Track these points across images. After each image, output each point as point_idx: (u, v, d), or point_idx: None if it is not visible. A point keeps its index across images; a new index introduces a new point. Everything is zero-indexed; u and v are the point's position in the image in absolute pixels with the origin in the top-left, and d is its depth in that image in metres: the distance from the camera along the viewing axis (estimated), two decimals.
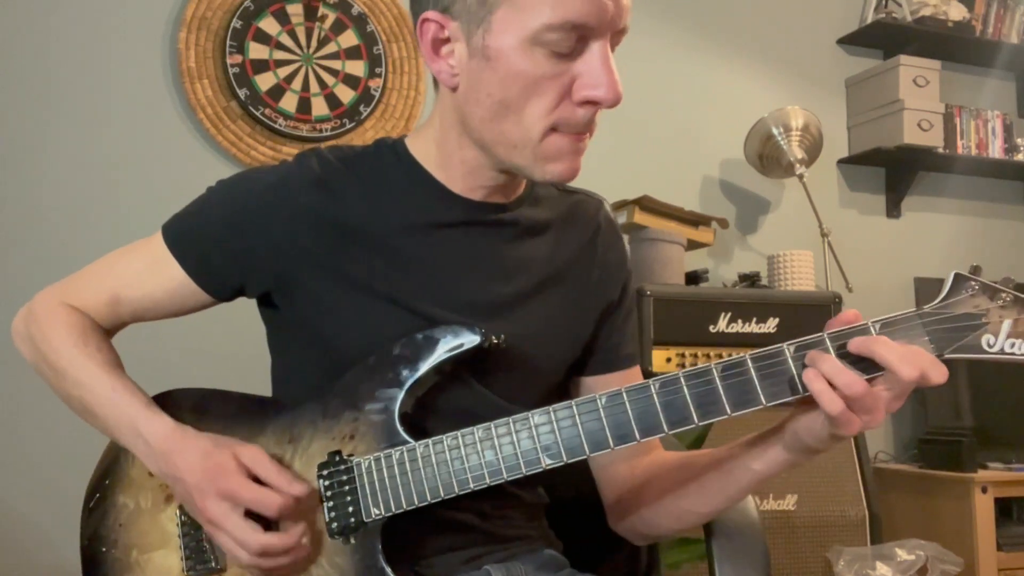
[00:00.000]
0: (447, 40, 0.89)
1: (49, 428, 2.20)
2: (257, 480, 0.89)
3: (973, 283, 0.80)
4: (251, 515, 0.89)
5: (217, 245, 0.98)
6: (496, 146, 0.91)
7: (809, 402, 0.81)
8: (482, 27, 0.86)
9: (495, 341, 0.92)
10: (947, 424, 2.89)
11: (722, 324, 2.44)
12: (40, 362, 1.02)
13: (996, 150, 3.29)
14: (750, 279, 2.72)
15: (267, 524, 0.90)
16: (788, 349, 0.81)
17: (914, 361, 0.76)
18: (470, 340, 0.91)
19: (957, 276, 0.81)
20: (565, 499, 1.11)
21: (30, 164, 2.31)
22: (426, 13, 0.89)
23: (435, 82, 0.96)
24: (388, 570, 0.88)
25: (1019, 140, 3.33)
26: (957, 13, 3.19)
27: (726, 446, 0.95)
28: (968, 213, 3.38)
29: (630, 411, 0.84)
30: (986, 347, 0.79)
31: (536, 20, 0.83)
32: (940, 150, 3.12)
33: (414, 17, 0.93)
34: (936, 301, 0.81)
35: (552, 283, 1.02)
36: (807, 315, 2.48)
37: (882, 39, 3.23)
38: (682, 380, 0.83)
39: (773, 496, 2.38)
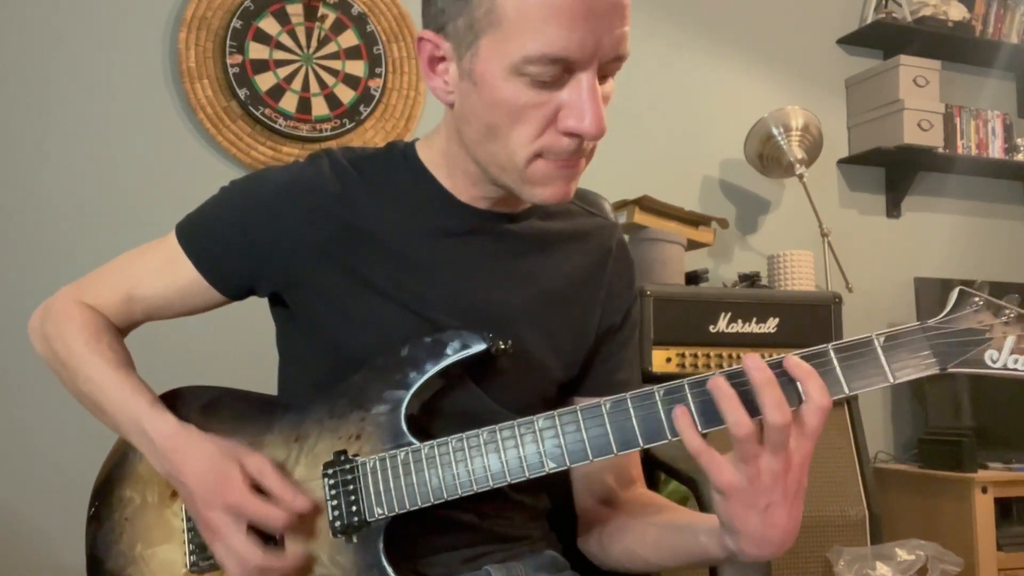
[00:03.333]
0: (442, 59, 0.90)
1: (51, 429, 2.21)
2: (260, 490, 0.90)
3: (977, 299, 0.81)
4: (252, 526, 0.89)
5: (229, 244, 0.99)
6: (487, 165, 0.92)
7: None
8: (470, 51, 0.86)
9: (502, 347, 0.93)
10: (947, 424, 2.89)
11: (722, 324, 2.44)
12: (53, 359, 1.03)
13: (996, 150, 3.29)
14: (750, 279, 2.72)
15: (264, 536, 0.90)
16: (793, 359, 0.82)
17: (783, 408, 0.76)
18: (477, 345, 0.92)
19: (961, 292, 0.82)
20: (567, 501, 1.11)
21: (30, 164, 2.31)
22: (423, 32, 0.90)
23: None
24: (390, 570, 0.89)
25: (1019, 140, 3.33)
26: (957, 13, 3.19)
27: (696, 513, 0.96)
28: (968, 213, 3.39)
29: (634, 418, 0.84)
30: (989, 363, 0.80)
31: (517, 52, 0.82)
32: (940, 150, 3.12)
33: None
34: (940, 316, 0.81)
35: (556, 298, 1.02)
36: (807, 315, 2.48)
37: (882, 39, 3.23)
38: (686, 388, 0.83)
39: None
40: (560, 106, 0.85)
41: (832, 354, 0.80)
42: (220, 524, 0.89)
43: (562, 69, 0.83)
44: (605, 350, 1.08)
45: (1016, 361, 0.79)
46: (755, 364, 0.77)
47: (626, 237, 2.59)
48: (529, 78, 0.83)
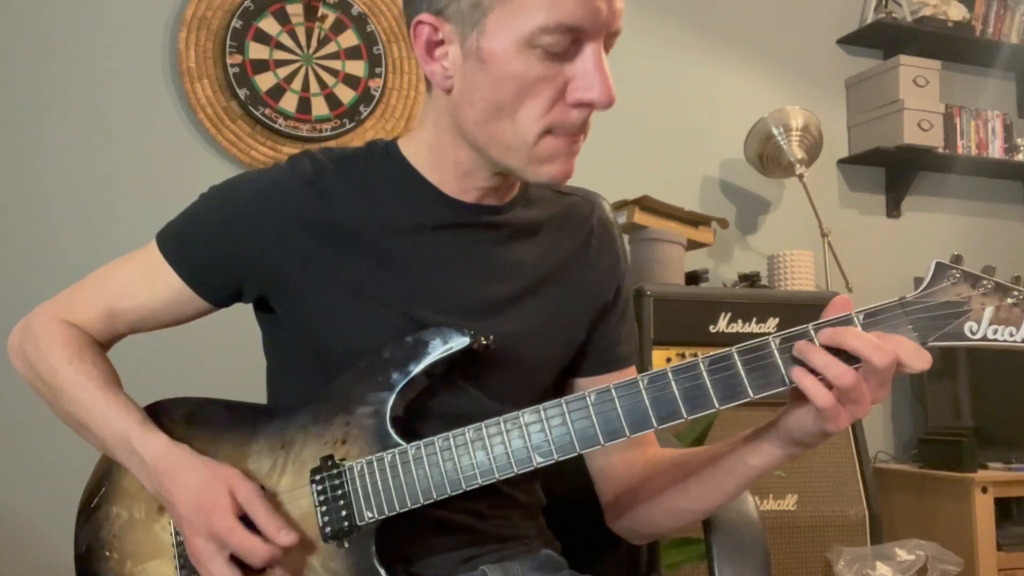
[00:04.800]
0: (441, 42, 0.89)
1: (49, 431, 2.19)
2: (248, 519, 0.89)
3: (954, 271, 0.81)
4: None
5: (212, 250, 0.98)
6: (489, 148, 0.91)
7: (800, 395, 0.82)
8: (476, 29, 0.86)
9: (484, 342, 0.92)
10: (947, 424, 2.89)
11: (722, 324, 2.44)
12: (35, 379, 1.01)
13: (996, 150, 3.29)
14: (750, 279, 2.72)
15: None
16: (774, 341, 0.82)
17: (886, 348, 0.77)
18: (459, 342, 0.91)
19: (939, 265, 0.81)
20: (564, 499, 1.11)
21: (30, 164, 2.31)
22: (420, 16, 0.89)
23: (427, 85, 0.96)
24: (382, 572, 0.88)
25: (1019, 140, 3.33)
26: (957, 13, 3.19)
27: (721, 443, 0.95)
28: (968, 213, 3.38)
29: (619, 407, 0.84)
30: (969, 334, 0.79)
31: (530, 22, 0.83)
32: (940, 150, 3.11)
33: (407, 20, 0.93)
34: (918, 290, 0.81)
35: (544, 284, 1.02)
36: (807, 315, 2.42)
37: (882, 39, 3.23)
38: (670, 375, 0.83)
39: (773, 496, 2.38)
40: (568, 79, 0.86)
41: (813, 333, 0.81)
42: (203, 551, 0.88)
43: (571, 40, 0.84)
44: (602, 327, 1.07)
45: (995, 331, 0.79)
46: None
47: (626, 237, 2.59)
48: (541, 50, 0.84)
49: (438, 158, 0.97)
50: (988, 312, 0.79)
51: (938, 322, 0.80)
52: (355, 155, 1.00)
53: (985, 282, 0.80)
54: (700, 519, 1.04)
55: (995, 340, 0.79)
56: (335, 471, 0.91)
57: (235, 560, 0.89)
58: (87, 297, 1.02)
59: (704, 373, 0.82)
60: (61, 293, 1.04)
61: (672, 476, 0.99)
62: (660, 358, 2.38)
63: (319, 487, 0.91)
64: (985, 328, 0.79)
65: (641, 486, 1.03)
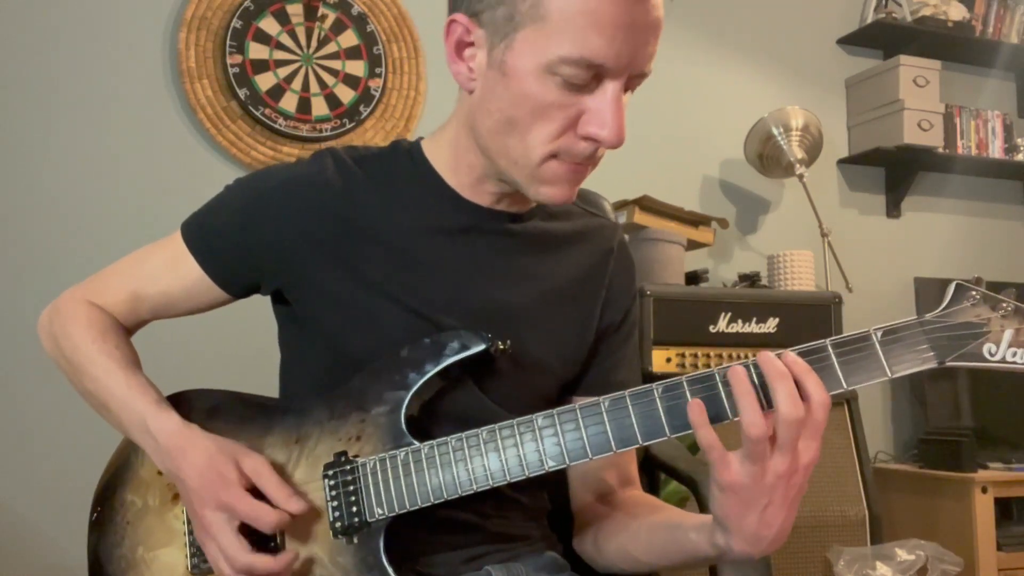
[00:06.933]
0: (471, 44, 0.90)
1: (52, 430, 2.21)
2: (257, 490, 0.90)
3: (974, 293, 0.80)
4: (248, 526, 0.89)
5: (232, 241, 1.00)
6: (498, 158, 0.92)
7: None
8: (504, 42, 0.86)
9: (501, 348, 0.93)
10: (947, 424, 2.90)
11: (722, 324, 2.44)
12: (59, 357, 1.04)
13: (996, 150, 3.29)
14: (750, 279, 2.72)
15: (263, 536, 0.91)
16: (790, 355, 0.81)
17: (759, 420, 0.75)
18: (476, 346, 0.92)
19: (959, 285, 0.81)
20: (566, 502, 1.11)
21: (30, 164, 2.30)
22: (455, 15, 0.90)
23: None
24: (390, 570, 0.89)
25: (1019, 140, 3.33)
26: (957, 13, 3.19)
27: (689, 512, 0.95)
28: (968, 213, 3.39)
29: (633, 415, 0.84)
30: (987, 356, 0.79)
31: (555, 50, 0.83)
32: (940, 150, 3.12)
33: (449, 13, 0.93)
34: (938, 310, 0.81)
35: (558, 298, 1.02)
36: (807, 315, 2.48)
37: (882, 39, 3.23)
38: (685, 385, 0.82)
39: None
40: (584, 110, 0.87)
41: (830, 349, 0.80)
42: (212, 522, 0.89)
43: (593, 75, 0.85)
44: (603, 348, 1.08)
45: (1015, 354, 0.79)
46: (768, 357, 0.78)
47: (626, 237, 2.59)
48: (561, 79, 0.84)
49: (457, 158, 0.98)
50: (1008, 335, 0.79)
51: (956, 342, 0.79)
52: (378, 155, 1.02)
53: (1005, 304, 0.79)
54: (643, 571, 1.01)
55: (1014, 363, 0.79)
56: (348, 467, 0.91)
57: (243, 536, 0.89)
58: (114, 281, 1.05)
59: (719, 384, 0.81)
60: (91, 276, 1.07)
61: (635, 514, 0.99)
62: (660, 358, 2.38)
63: (331, 482, 0.92)
64: (1004, 351, 0.79)
65: (608, 513, 1.04)
